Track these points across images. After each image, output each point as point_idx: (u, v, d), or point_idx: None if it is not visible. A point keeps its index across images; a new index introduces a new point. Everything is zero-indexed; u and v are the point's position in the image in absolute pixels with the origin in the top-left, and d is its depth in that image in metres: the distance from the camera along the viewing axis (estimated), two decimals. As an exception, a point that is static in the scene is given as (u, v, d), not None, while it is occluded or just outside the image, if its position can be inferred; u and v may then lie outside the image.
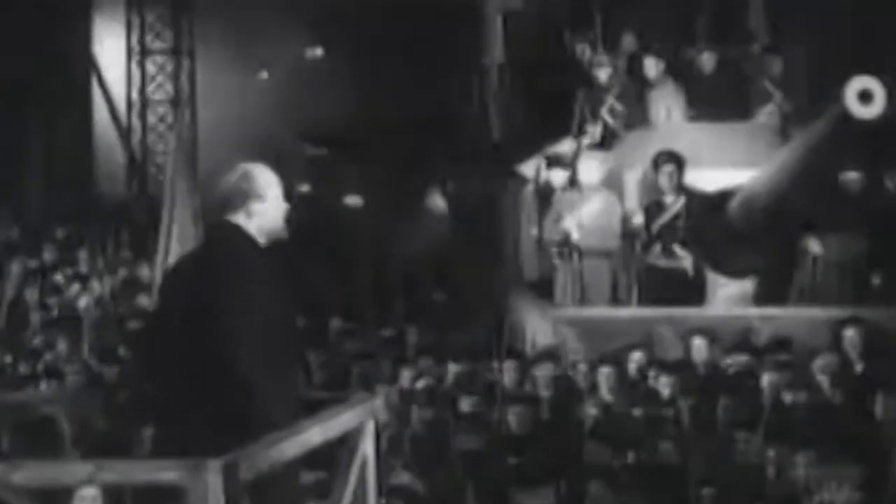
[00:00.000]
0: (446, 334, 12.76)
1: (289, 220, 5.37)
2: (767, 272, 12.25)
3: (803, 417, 9.42)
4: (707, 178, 12.34)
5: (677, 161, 12.21)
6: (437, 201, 20.01)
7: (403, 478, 8.40)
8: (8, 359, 12.44)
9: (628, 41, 14.19)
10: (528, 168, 14.15)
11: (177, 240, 10.79)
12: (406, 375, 10.78)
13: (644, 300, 12.27)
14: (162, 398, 5.14)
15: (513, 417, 9.42)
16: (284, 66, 21.67)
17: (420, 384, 10.50)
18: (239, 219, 5.21)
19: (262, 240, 5.25)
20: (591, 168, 12.78)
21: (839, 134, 10.94)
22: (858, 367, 10.68)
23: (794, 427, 9.10)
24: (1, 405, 6.64)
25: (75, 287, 14.81)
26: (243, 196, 5.22)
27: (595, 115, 13.60)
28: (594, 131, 13.54)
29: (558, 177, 13.18)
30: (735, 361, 10.71)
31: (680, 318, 11.43)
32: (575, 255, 12.33)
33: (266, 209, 5.24)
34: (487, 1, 16.69)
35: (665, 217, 12.23)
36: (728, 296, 12.22)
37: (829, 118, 10.87)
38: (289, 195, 5.42)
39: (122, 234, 17.49)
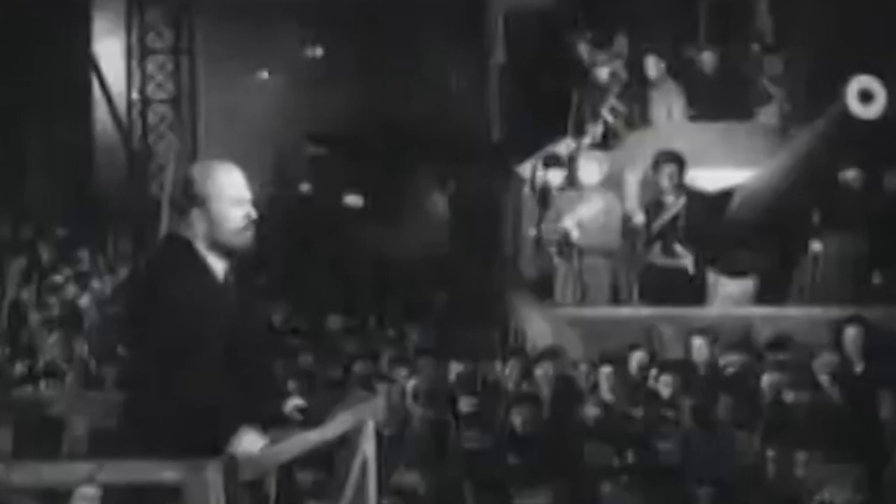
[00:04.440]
0: (446, 334, 12.76)
1: (257, 224, 4.77)
2: (768, 271, 12.25)
3: (804, 417, 9.41)
4: (707, 178, 12.33)
5: (678, 161, 12.20)
6: (437, 201, 20.02)
7: (405, 477, 8.39)
8: (6, 358, 12.44)
9: (629, 40, 14.19)
10: (525, 168, 14.16)
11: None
12: (406, 375, 10.77)
13: (644, 299, 12.26)
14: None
15: (516, 417, 9.41)
16: (285, 66, 21.66)
17: (411, 383, 10.48)
18: (182, 229, 4.71)
19: (213, 251, 4.71)
20: (591, 167, 12.77)
21: (839, 133, 10.95)
22: (859, 367, 10.68)
23: (795, 427, 9.09)
24: (5, 404, 6.63)
25: (75, 287, 14.80)
26: (183, 202, 4.71)
27: (596, 115, 13.60)
28: (595, 131, 13.53)
29: (556, 176, 13.18)
30: (735, 361, 10.70)
31: (680, 318, 11.43)
32: (575, 255, 12.32)
33: (209, 216, 4.68)
34: (489, 1, 16.71)
35: (665, 216, 12.22)
36: (728, 295, 12.21)
37: (829, 118, 10.88)
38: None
39: (121, 233, 17.48)
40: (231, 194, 4.73)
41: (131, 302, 4.81)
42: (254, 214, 4.76)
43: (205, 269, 4.70)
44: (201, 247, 4.70)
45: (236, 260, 4.79)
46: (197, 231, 4.69)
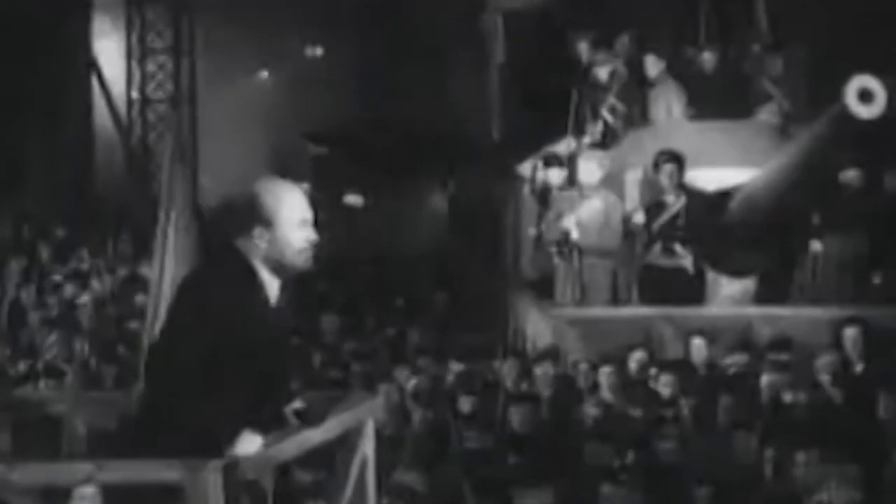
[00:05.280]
0: (446, 334, 12.77)
1: (315, 246, 4.74)
2: (768, 271, 12.25)
3: (803, 417, 9.42)
4: (707, 178, 12.33)
5: (678, 160, 12.20)
6: (438, 201, 20.05)
7: (405, 477, 8.39)
8: (6, 358, 12.44)
9: (628, 40, 14.18)
10: (525, 168, 14.16)
11: (174, 237, 10.76)
12: (406, 375, 10.78)
13: (644, 299, 12.26)
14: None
15: (515, 417, 9.41)
16: (285, 66, 21.69)
17: (412, 383, 10.48)
18: (242, 244, 4.69)
19: (271, 270, 4.70)
20: (591, 167, 12.76)
21: (839, 133, 10.95)
22: (859, 367, 10.68)
23: (794, 427, 9.09)
24: (5, 404, 6.63)
25: (75, 286, 14.81)
26: (246, 221, 4.67)
27: (595, 115, 13.60)
28: (594, 130, 13.54)
29: (556, 176, 13.18)
30: (735, 361, 10.70)
31: (680, 318, 11.42)
32: (575, 255, 12.32)
33: (273, 237, 4.66)
34: (489, 1, 16.72)
35: (665, 216, 12.22)
36: (728, 295, 12.21)
37: (829, 118, 10.87)
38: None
39: (121, 233, 17.50)
40: (297, 217, 4.71)
41: (182, 302, 4.74)
42: (314, 237, 4.75)
43: (260, 286, 4.69)
44: (258, 263, 4.70)
45: (291, 281, 4.78)
46: (256, 248, 4.68)
